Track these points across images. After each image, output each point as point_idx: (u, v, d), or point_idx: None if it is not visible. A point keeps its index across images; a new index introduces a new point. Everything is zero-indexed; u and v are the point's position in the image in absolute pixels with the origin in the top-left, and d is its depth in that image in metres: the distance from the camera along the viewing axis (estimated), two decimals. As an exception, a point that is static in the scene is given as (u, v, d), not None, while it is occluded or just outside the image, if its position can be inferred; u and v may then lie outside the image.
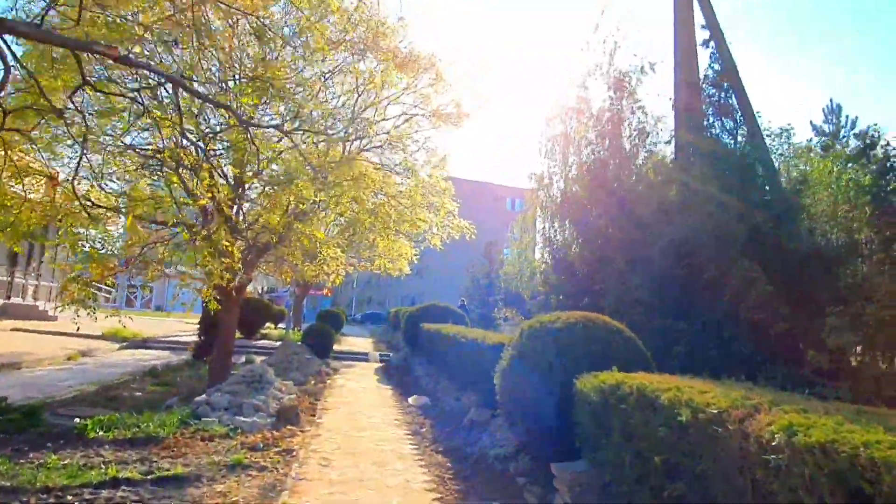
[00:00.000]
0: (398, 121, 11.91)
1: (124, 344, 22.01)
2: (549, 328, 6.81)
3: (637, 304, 12.54)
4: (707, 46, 13.12)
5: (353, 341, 29.24)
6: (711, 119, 12.84)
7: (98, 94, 8.06)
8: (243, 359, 19.22)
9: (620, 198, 17.90)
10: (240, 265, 11.65)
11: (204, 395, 10.25)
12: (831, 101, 38.95)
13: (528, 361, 6.74)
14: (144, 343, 22.30)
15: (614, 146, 19.54)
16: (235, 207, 12.45)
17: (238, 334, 25.55)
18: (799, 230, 10.71)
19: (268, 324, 35.08)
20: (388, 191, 12.39)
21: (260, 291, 58.89)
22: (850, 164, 10.95)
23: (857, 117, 29.71)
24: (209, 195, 10.08)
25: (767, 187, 11.85)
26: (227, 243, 11.52)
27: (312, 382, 15.35)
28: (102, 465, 6.48)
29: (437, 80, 11.31)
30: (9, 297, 26.05)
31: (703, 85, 13.08)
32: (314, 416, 10.56)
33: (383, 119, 11.66)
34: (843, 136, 26.62)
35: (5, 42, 5.45)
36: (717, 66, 12.86)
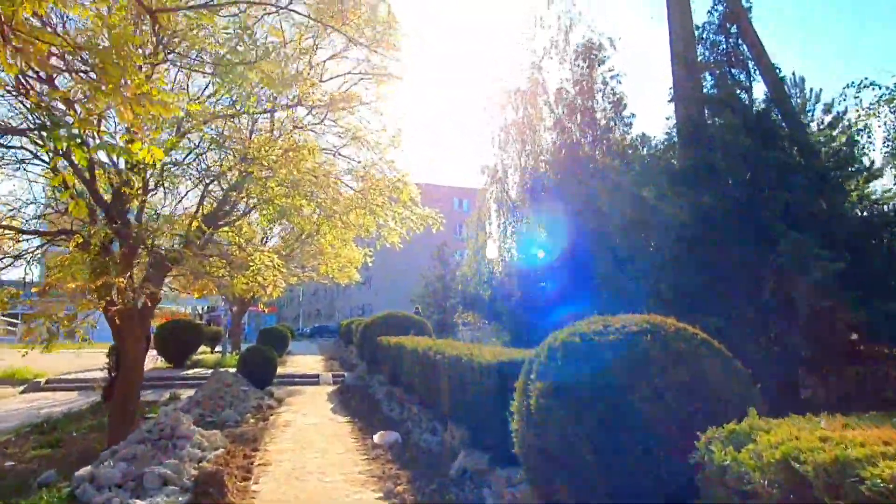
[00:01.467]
0: (342, 82, 9.23)
1: (24, 387, 18.39)
2: (603, 344, 4.35)
3: (646, 299, 10.31)
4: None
5: (302, 361, 26.15)
6: (720, 71, 10.70)
7: None
8: (167, 395, 16.03)
9: (601, 177, 15.77)
10: (131, 280, 8.77)
11: (90, 467, 7.31)
12: (794, 73, 38.11)
13: (575, 401, 4.23)
14: (48, 384, 18.69)
15: (586, 121, 17.43)
16: (133, 203, 9.56)
17: (165, 363, 22.15)
18: (849, 194, 8.65)
19: (203, 348, 31.59)
20: (332, 171, 9.70)
21: (200, 311, 53.97)
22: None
23: (821, 89, 28.81)
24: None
25: (796, 148, 9.78)
26: (120, 256, 8.68)
27: (251, 421, 12.47)
28: None
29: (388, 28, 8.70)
30: None
31: (706, 34, 10.95)
32: (248, 478, 7.75)
33: (322, 80, 8.95)
34: (809, 110, 25.40)
35: None
36: (720, 7, 10.75)
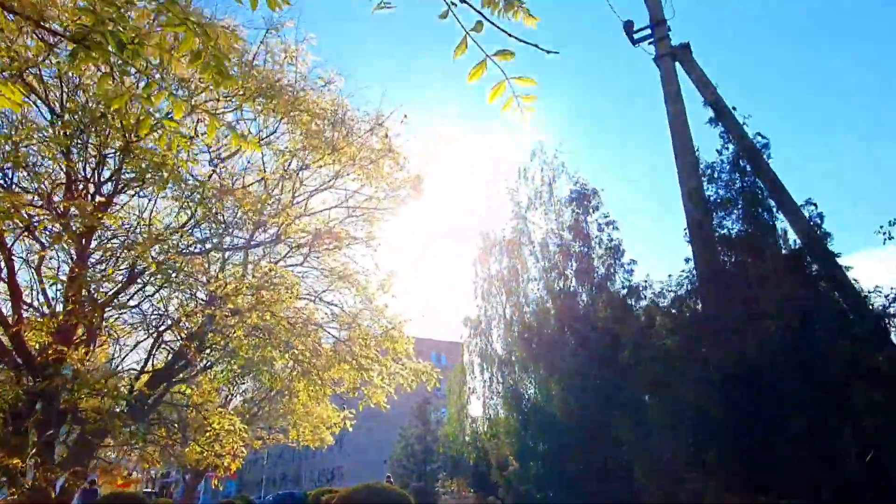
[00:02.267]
0: (329, 215, 8.13)
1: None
2: None
3: (686, 470, 8.56)
4: (715, 125, 10.56)
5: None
6: (738, 211, 9.92)
7: None
8: None
9: (603, 329, 14.49)
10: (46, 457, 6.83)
11: None
12: (820, 214, 38.62)
13: None
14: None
15: (582, 268, 16.49)
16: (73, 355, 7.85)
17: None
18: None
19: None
20: (312, 318, 8.24)
21: (154, 475, 48.42)
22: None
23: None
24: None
25: (836, 292, 8.72)
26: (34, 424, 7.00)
27: None
28: None
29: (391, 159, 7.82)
30: None
31: (717, 172, 10.33)
32: None
33: (304, 213, 7.81)
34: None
35: None
36: (731, 146, 10.23)
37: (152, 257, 6.61)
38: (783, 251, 9.41)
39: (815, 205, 8.92)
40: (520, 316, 29.58)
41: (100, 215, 6.49)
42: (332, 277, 8.48)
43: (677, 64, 11.93)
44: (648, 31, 12.33)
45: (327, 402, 24.88)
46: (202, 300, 7.38)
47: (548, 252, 26.57)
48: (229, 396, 22.66)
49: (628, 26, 12.50)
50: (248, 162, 8.19)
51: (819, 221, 8.86)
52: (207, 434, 11.31)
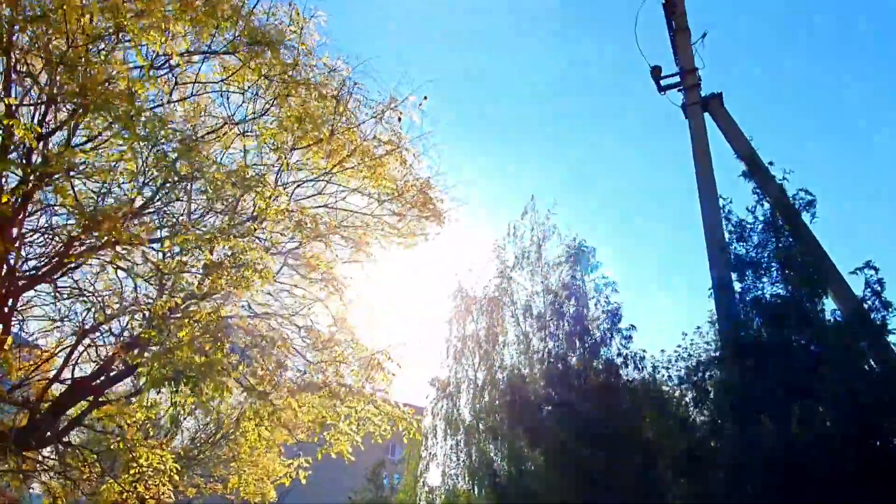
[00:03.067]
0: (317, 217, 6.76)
1: None
2: None
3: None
4: (749, 179, 9.59)
5: None
6: (772, 274, 8.84)
7: None
8: None
9: (597, 398, 13.04)
10: None
11: None
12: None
13: None
14: None
15: (576, 330, 15.14)
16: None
17: None
18: None
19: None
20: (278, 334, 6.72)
21: None
22: None
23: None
24: None
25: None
26: None
27: None
28: None
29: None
30: None
31: (748, 231, 9.31)
32: None
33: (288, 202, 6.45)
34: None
35: None
36: (765, 205, 9.26)
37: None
38: (827, 321, 8.28)
39: (875, 268, 7.84)
40: (492, 380, 27.97)
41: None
42: (313, 288, 7.06)
43: (707, 115, 11.15)
44: (677, 79, 11.61)
45: (276, 452, 22.66)
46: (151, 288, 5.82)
47: (531, 315, 25.32)
48: (170, 432, 20.35)
49: (655, 72, 11.77)
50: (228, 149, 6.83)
51: (879, 288, 7.76)
52: (132, 471, 9.47)
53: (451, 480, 28.82)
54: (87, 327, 6.77)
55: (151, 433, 10.97)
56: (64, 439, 7.64)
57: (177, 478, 10.42)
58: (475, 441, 26.75)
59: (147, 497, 9.66)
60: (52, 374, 7.77)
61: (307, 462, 8.66)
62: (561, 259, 15.60)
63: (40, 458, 8.38)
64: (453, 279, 26.22)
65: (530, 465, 15.60)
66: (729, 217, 9.71)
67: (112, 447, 9.16)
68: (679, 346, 16.35)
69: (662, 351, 14.22)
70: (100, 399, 8.39)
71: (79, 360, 7.28)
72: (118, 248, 5.64)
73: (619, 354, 14.14)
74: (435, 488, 29.06)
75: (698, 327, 16.54)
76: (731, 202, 9.85)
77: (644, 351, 13.97)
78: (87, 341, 7.12)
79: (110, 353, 6.72)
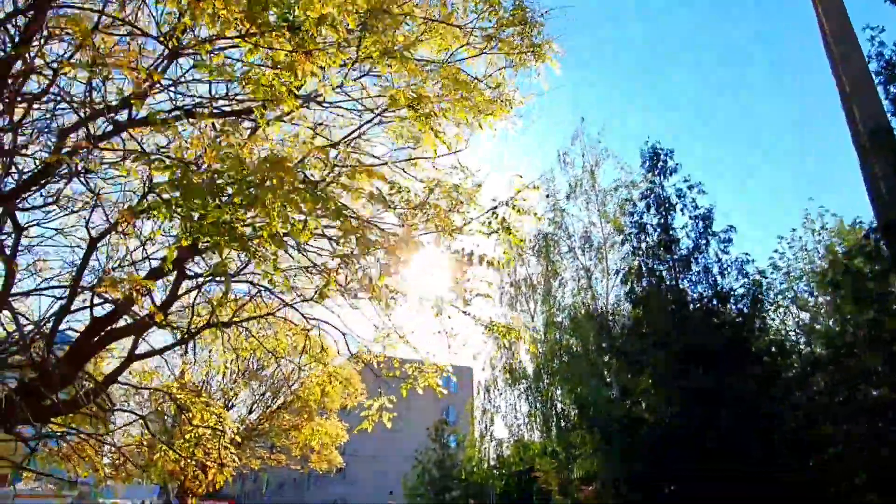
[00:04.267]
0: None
1: None
2: None
3: None
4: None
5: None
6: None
7: None
8: None
9: (705, 311, 11.28)
10: None
11: None
12: None
13: None
14: None
15: (663, 240, 13.14)
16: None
17: None
18: None
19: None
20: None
21: None
22: None
23: None
24: None
25: None
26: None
27: None
28: None
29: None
30: None
31: None
32: None
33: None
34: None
35: None
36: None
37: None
38: None
39: None
40: (552, 323, 26.34)
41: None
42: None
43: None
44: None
45: (335, 419, 21.66)
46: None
47: (590, 247, 23.48)
48: (229, 404, 19.41)
49: None
50: None
51: None
52: (188, 436, 8.18)
53: (518, 431, 27.59)
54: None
55: (203, 395, 9.70)
56: (98, 400, 6.28)
57: (238, 439, 9.04)
58: (541, 388, 25.37)
59: (208, 463, 8.40)
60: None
61: (391, 401, 7.18)
62: (641, 158, 13.68)
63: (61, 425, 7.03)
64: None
65: (614, 394, 13.98)
66: (881, 52, 7.72)
67: (159, 409, 7.82)
68: (776, 251, 14.38)
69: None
70: (135, 353, 7.02)
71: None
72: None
73: (717, 261, 12.34)
74: (502, 440, 27.94)
75: (793, 230, 14.51)
76: (882, 31, 7.83)
77: (748, 255, 12.19)
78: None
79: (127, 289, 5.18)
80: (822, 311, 15.43)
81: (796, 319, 16.09)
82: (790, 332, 15.57)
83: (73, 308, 5.22)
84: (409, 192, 4.59)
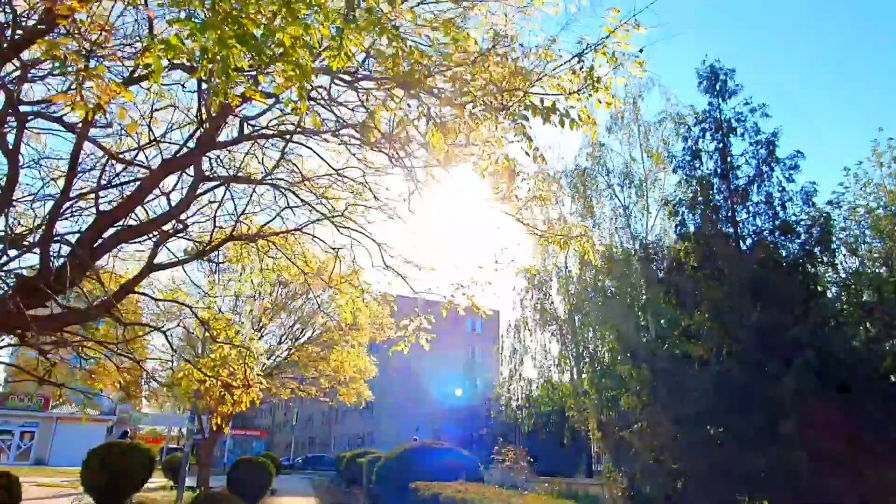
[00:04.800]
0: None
1: None
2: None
3: None
4: None
5: (286, 508, 19.26)
6: None
7: None
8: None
9: (764, 248, 10.37)
10: None
11: None
12: None
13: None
14: None
15: (720, 167, 12.06)
16: None
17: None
18: None
19: (164, 480, 24.76)
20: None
21: (182, 431, 45.20)
22: None
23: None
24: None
25: None
26: None
27: None
28: None
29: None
30: None
31: None
32: None
33: None
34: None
35: None
36: None
37: None
38: None
39: None
40: (585, 262, 25.51)
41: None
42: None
43: None
44: None
45: (363, 352, 21.45)
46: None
47: (630, 183, 22.33)
48: (260, 331, 19.21)
49: None
50: None
51: None
52: (214, 354, 7.79)
53: (548, 372, 27.22)
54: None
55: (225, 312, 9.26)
56: (115, 312, 5.78)
57: (265, 360, 8.59)
58: (574, 329, 24.80)
59: (234, 383, 8.00)
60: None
61: (429, 321, 6.59)
62: (699, 77, 12.44)
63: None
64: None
65: (654, 332, 13.32)
66: None
67: (181, 324, 7.34)
68: (840, 184, 13.23)
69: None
70: (153, 263, 6.48)
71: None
72: None
73: (781, 190, 11.30)
74: (531, 380, 27.70)
75: (860, 162, 13.53)
76: None
77: (814, 184, 11.13)
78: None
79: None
80: (875, 255, 14.32)
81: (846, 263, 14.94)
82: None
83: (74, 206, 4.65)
84: (469, 38, 3.78)
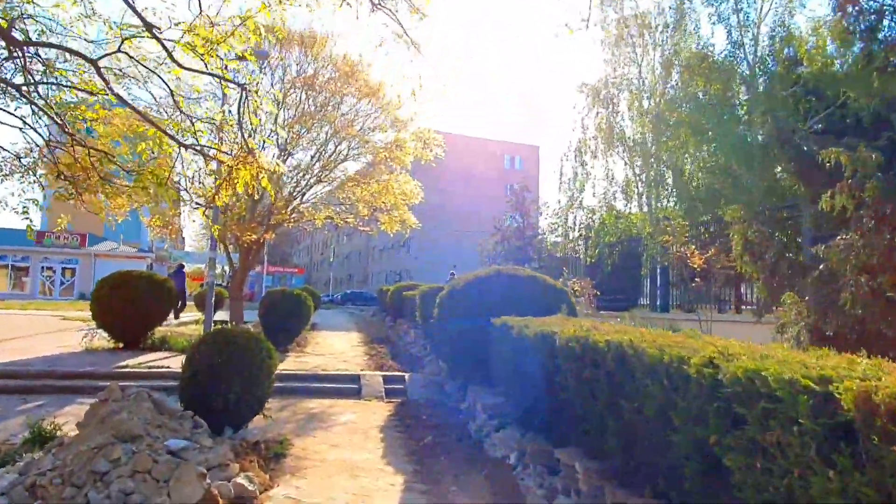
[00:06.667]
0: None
1: None
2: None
3: None
4: None
5: (328, 343, 17.46)
6: None
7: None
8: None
9: None
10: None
11: None
12: None
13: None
14: None
15: None
16: None
17: (111, 343, 13.67)
18: None
19: (194, 314, 23.44)
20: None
21: (224, 270, 43.84)
22: None
23: None
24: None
25: None
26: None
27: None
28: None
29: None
30: None
31: None
32: None
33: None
34: None
35: None
36: None
37: None
38: None
39: None
40: (670, 64, 21.17)
41: None
42: None
43: None
44: None
45: (408, 176, 18.50)
46: None
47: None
48: (286, 152, 16.19)
49: None
50: None
51: None
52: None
53: (613, 200, 23.92)
54: None
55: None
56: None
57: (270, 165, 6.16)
58: (645, 150, 21.16)
59: (224, 160, 4.89)
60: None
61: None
62: None
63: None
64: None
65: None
66: None
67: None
68: None
69: None
70: None
71: None
72: None
73: None
74: (593, 209, 24.64)
75: None
76: None
77: None
78: None
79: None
80: None
81: None
82: None
83: None
84: None
